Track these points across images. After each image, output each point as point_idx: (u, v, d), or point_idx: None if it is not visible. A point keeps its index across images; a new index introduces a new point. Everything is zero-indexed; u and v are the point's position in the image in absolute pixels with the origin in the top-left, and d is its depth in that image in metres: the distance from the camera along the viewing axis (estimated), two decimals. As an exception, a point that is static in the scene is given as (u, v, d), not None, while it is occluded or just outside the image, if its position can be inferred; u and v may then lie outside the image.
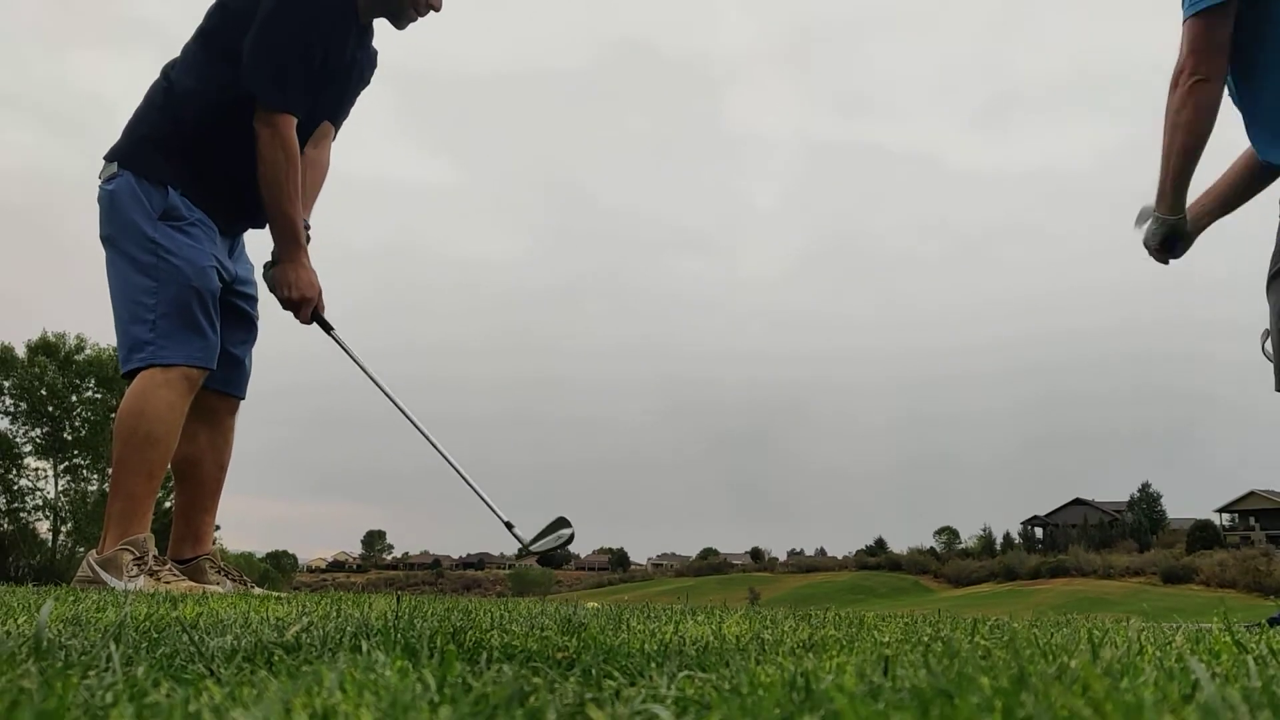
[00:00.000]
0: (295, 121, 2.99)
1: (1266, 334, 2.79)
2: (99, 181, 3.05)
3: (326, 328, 3.22)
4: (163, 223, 2.95)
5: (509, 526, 3.13)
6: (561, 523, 2.98)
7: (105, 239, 3.02)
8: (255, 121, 2.93)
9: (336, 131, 3.39)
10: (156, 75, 3.16)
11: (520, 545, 3.14)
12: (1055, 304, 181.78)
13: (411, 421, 3.24)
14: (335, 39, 3.05)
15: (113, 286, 3.00)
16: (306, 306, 3.12)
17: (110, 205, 2.99)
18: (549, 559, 3.11)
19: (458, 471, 3.23)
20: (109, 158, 3.05)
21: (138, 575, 2.85)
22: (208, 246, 3.01)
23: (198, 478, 3.20)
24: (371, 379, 3.25)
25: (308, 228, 3.24)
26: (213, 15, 3.06)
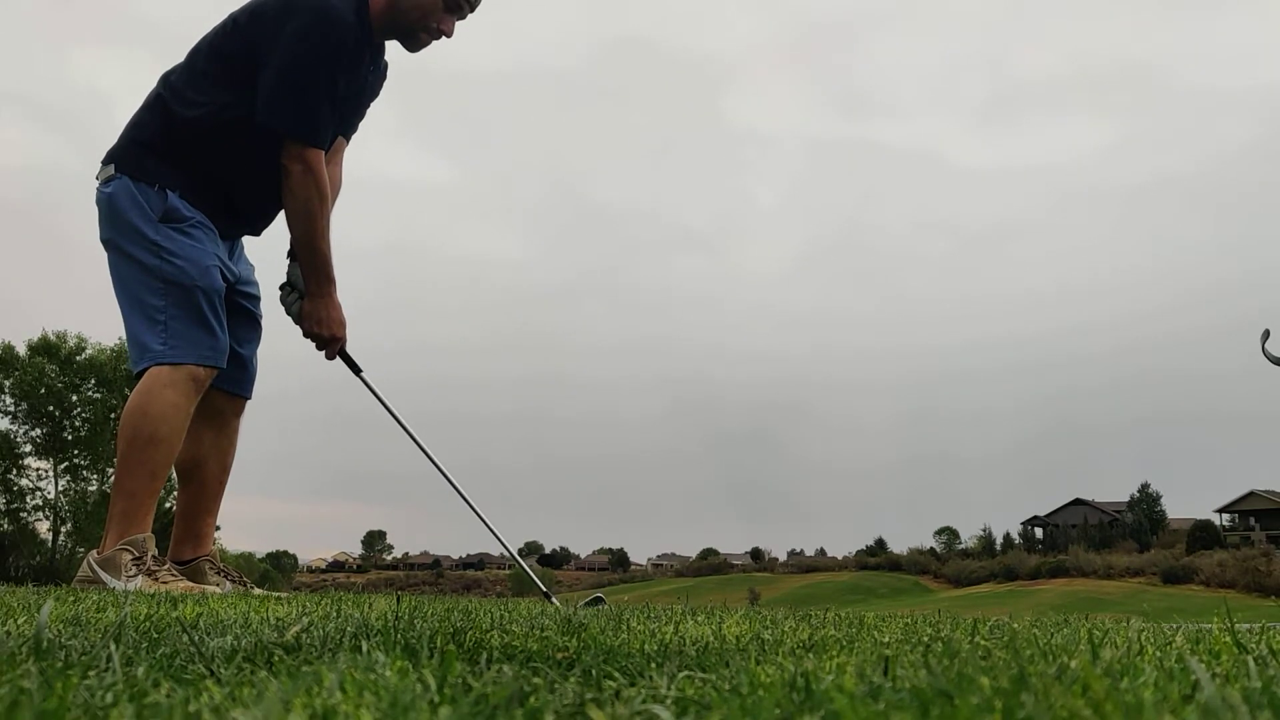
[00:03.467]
0: (324, 156, 2.98)
1: (1267, 334, 2.79)
2: (97, 184, 3.04)
3: (355, 368, 3.22)
4: (163, 224, 2.94)
5: (547, 596, 3.16)
6: (597, 600, 2.96)
7: (106, 242, 3.02)
8: (285, 159, 2.92)
9: (347, 143, 3.41)
10: (156, 80, 3.15)
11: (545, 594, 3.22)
12: (1055, 302, 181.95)
13: (436, 466, 3.27)
14: (354, 66, 3.05)
15: (118, 289, 3.00)
16: (334, 345, 3.13)
17: (110, 208, 2.99)
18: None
19: (483, 520, 3.29)
20: (106, 161, 3.05)
21: (136, 575, 2.85)
22: (210, 246, 3.02)
23: (201, 479, 3.20)
24: (398, 421, 3.24)
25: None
26: (226, 34, 3.03)
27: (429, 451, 3.27)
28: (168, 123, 3.01)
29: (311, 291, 3.07)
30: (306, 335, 3.12)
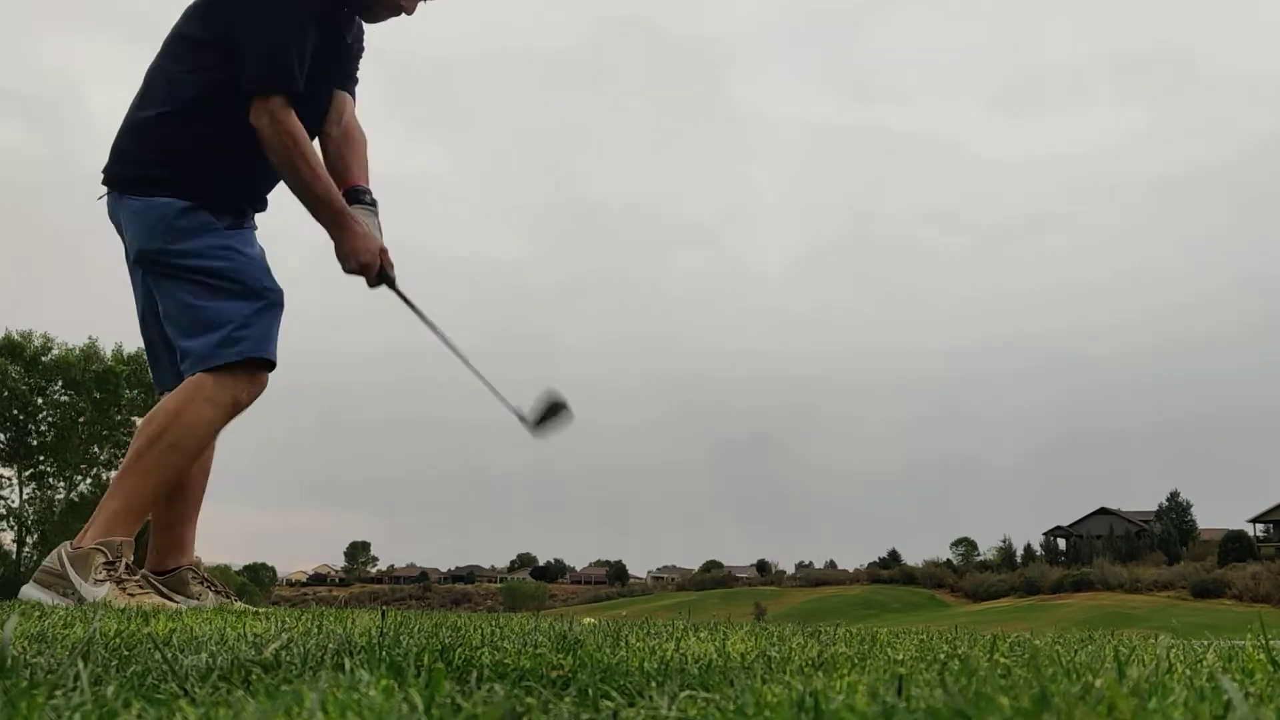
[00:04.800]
0: (290, 104, 3.01)
1: None
2: (127, 198, 3.07)
3: (395, 289, 3.29)
4: (212, 235, 3.03)
5: (520, 417, 3.32)
6: (553, 398, 3.27)
7: (151, 256, 3.05)
8: (252, 117, 2.96)
9: (354, 101, 3.46)
10: (141, 78, 3.18)
11: (529, 428, 3.36)
12: (1078, 299, 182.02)
13: (475, 372, 3.39)
14: (326, 13, 3.11)
15: (170, 302, 3.03)
16: (369, 272, 3.17)
17: (154, 224, 3.03)
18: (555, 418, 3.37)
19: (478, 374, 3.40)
20: (135, 177, 3.09)
21: (104, 582, 2.85)
22: (256, 249, 3.16)
23: (185, 487, 3.21)
24: (438, 333, 3.36)
25: (369, 197, 3.29)
26: (199, 17, 3.09)
27: (455, 346, 3.39)
28: (183, 128, 3.07)
29: (331, 235, 3.14)
30: (349, 273, 3.20)
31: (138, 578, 2.98)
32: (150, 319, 3.16)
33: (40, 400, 34.62)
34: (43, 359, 34.76)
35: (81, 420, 34.58)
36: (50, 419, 34.74)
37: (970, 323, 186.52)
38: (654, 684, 0.95)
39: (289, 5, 3.01)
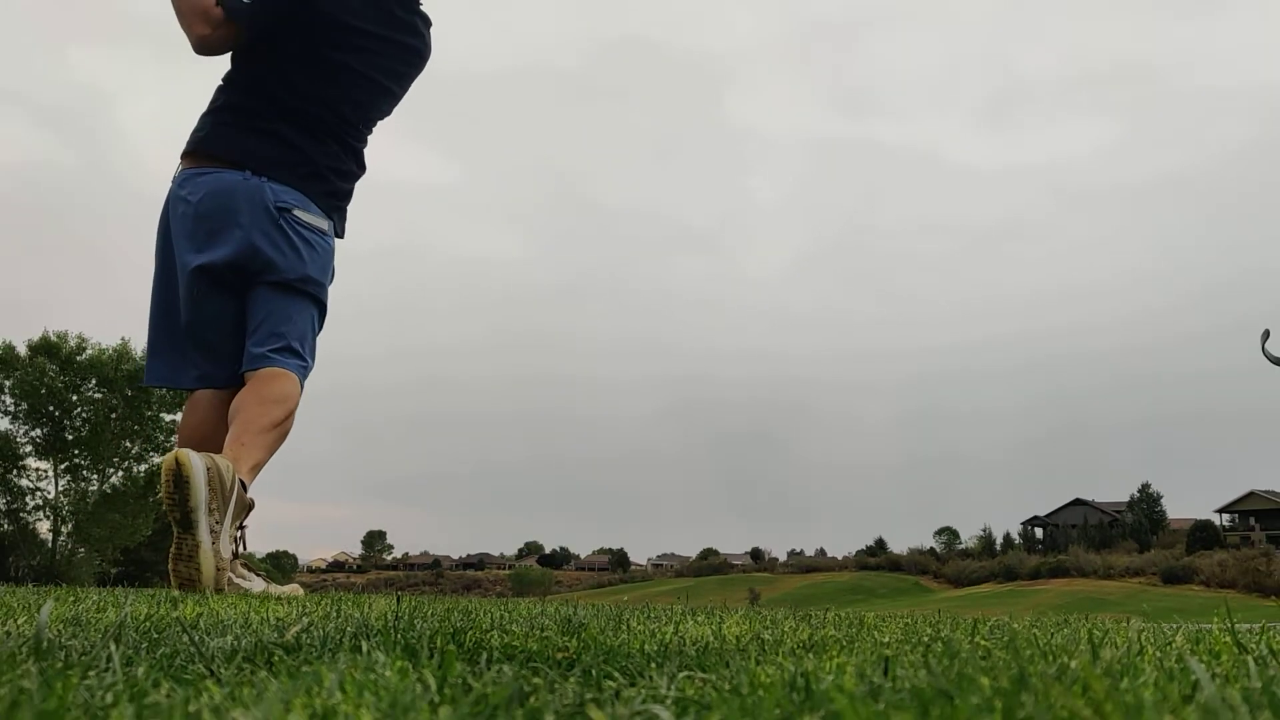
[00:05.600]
0: (236, 30, 3.04)
1: (1267, 334, 2.79)
2: (305, 220, 3.10)
3: None
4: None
5: None
6: None
7: (304, 284, 3.11)
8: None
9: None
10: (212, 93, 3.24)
11: None
12: (1055, 302, 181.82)
13: None
14: None
15: (288, 319, 3.09)
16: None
17: (325, 260, 3.14)
18: None
19: None
20: (323, 210, 3.14)
21: (237, 532, 2.67)
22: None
23: None
24: None
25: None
26: (401, 95, 3.30)
27: None
28: (353, 177, 3.26)
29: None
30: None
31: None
32: (219, 324, 3.13)
33: (75, 397, 34.60)
34: (77, 358, 34.73)
35: (114, 416, 34.55)
36: (84, 415, 34.71)
37: (954, 325, 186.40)
38: (654, 665, 0.95)
39: None
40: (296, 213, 3.08)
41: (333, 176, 3.20)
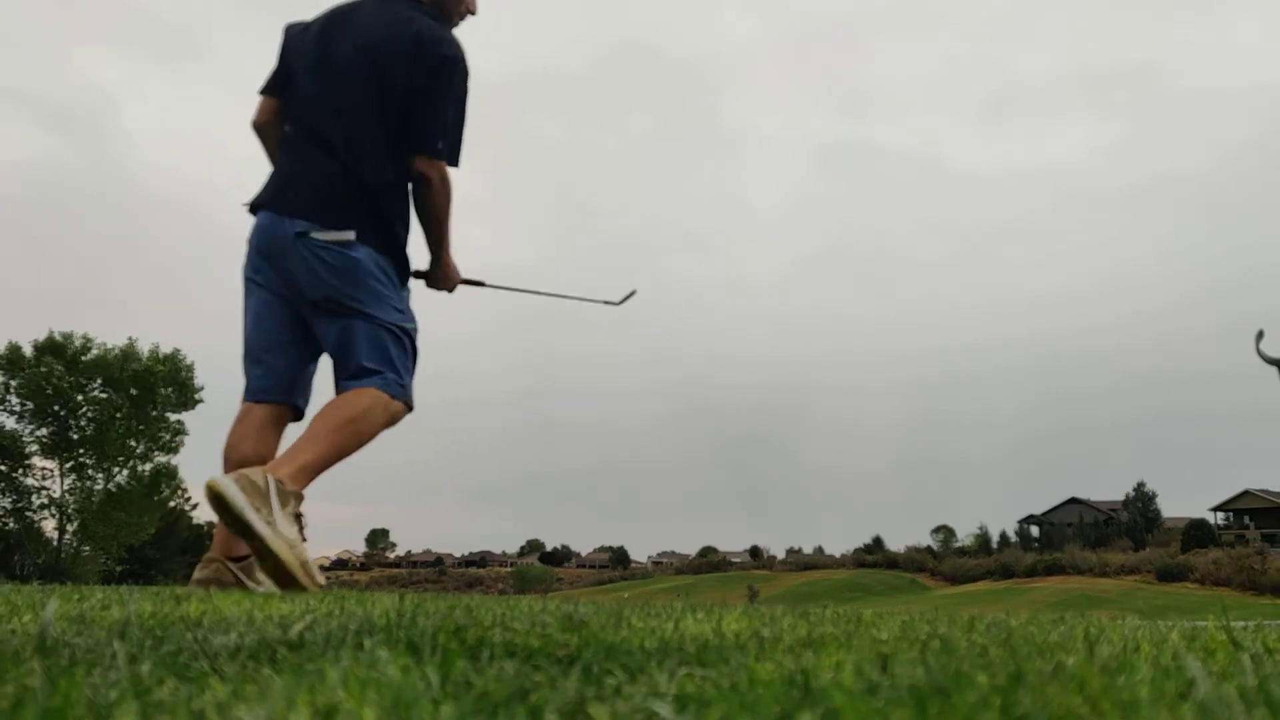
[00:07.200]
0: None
1: (1260, 334, 2.79)
2: (321, 239, 3.08)
3: (471, 281, 3.63)
4: (398, 285, 3.24)
5: (609, 301, 3.93)
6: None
7: (342, 301, 3.10)
8: (423, 167, 3.15)
9: None
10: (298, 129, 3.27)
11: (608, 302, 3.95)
12: (1052, 304, 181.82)
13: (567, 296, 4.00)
14: None
15: (348, 340, 3.11)
16: (453, 285, 3.54)
17: (355, 271, 3.10)
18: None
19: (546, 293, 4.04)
20: (337, 225, 3.11)
21: (296, 527, 2.74)
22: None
23: None
24: (524, 289, 3.95)
25: None
26: (387, 97, 3.14)
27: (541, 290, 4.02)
28: (373, 194, 3.16)
29: (442, 260, 3.45)
30: (442, 285, 3.52)
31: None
32: (300, 345, 3.22)
33: (80, 397, 34.58)
34: (82, 358, 34.73)
35: (119, 416, 34.53)
36: (90, 414, 34.71)
37: (953, 326, 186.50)
38: (654, 662, 0.95)
39: (465, 95, 3.22)
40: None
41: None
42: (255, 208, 3.21)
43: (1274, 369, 7.83)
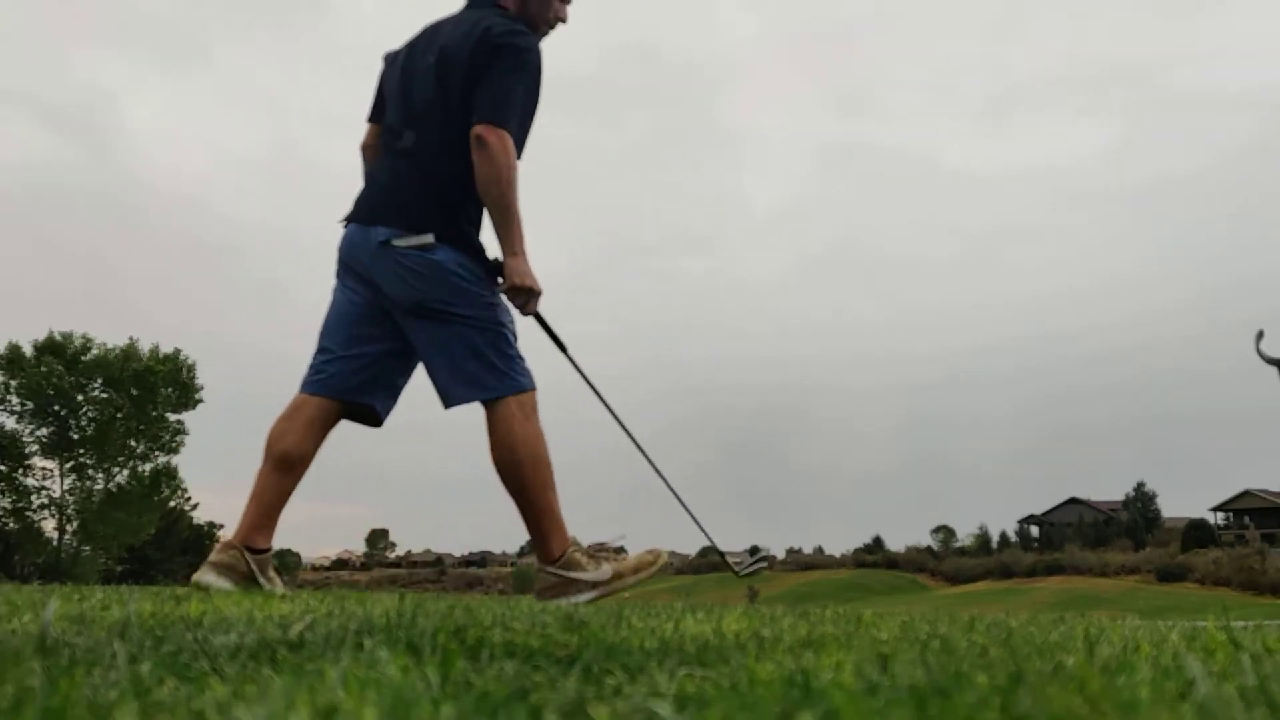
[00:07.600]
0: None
1: (1260, 334, 2.80)
2: (402, 245, 3.09)
3: (557, 341, 3.47)
4: (483, 280, 3.17)
5: (723, 556, 3.82)
6: (758, 550, 3.57)
7: (432, 305, 3.09)
8: (484, 130, 3.04)
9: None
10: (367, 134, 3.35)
11: (734, 570, 3.81)
12: (1053, 305, 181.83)
13: (649, 460, 3.76)
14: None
15: (441, 345, 3.12)
16: (533, 295, 3.26)
17: (439, 274, 3.09)
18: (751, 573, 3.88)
19: (677, 498, 3.79)
20: (416, 228, 3.11)
21: (600, 563, 3.09)
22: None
23: (296, 476, 3.18)
24: (588, 383, 3.65)
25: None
26: (456, 94, 3.13)
27: (641, 446, 3.70)
28: (435, 189, 3.16)
29: (516, 250, 3.18)
30: (512, 291, 3.23)
31: (601, 554, 3.18)
32: (381, 351, 3.23)
33: (81, 397, 34.59)
34: (83, 358, 34.74)
35: (120, 416, 34.54)
36: (90, 414, 34.71)
37: (952, 327, 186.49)
38: (654, 662, 0.95)
39: (537, 85, 3.21)
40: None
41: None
42: (345, 222, 3.25)
43: (1274, 369, 7.83)
